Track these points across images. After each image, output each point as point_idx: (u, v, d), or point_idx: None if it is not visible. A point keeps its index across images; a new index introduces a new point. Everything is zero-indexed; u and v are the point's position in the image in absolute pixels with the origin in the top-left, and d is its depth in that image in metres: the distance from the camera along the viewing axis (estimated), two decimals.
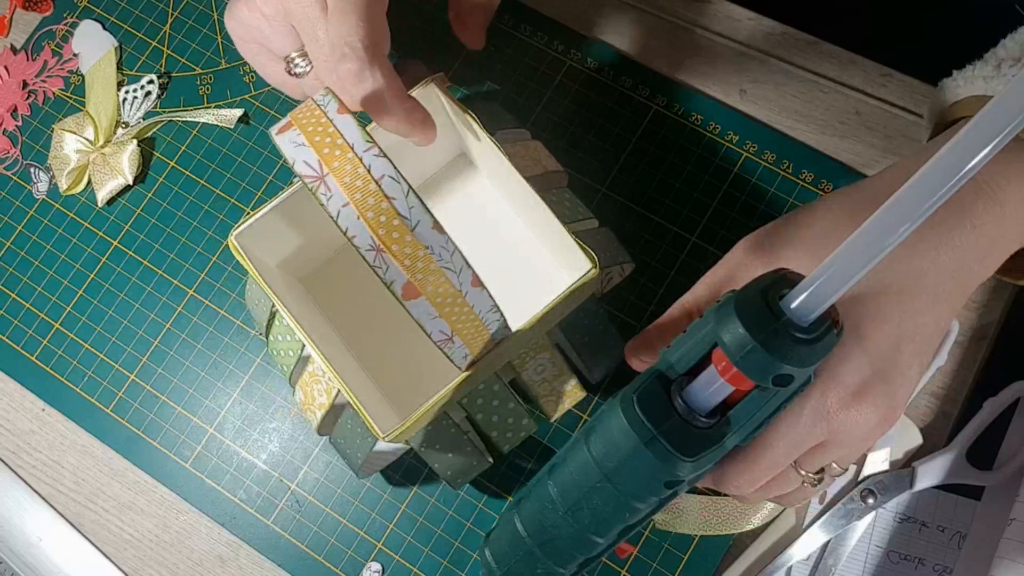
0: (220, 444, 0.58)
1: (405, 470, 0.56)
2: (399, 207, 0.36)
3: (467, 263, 0.38)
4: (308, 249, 0.53)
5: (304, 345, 0.48)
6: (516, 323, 0.43)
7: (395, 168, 0.36)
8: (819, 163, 0.58)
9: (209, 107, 0.64)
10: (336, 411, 0.49)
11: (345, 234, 0.36)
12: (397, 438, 0.44)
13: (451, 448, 0.47)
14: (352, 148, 0.36)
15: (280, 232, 0.50)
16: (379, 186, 0.36)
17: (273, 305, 0.47)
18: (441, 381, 0.44)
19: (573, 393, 0.49)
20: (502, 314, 0.41)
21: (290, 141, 0.37)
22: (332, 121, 0.37)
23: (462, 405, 0.46)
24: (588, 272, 0.44)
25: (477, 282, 0.38)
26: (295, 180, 0.48)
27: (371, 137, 0.37)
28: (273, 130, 0.39)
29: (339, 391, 0.46)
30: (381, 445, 0.47)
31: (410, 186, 0.36)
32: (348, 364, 0.50)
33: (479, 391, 0.46)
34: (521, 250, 0.54)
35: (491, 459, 0.48)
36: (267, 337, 0.51)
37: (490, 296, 0.39)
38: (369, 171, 0.36)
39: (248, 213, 0.47)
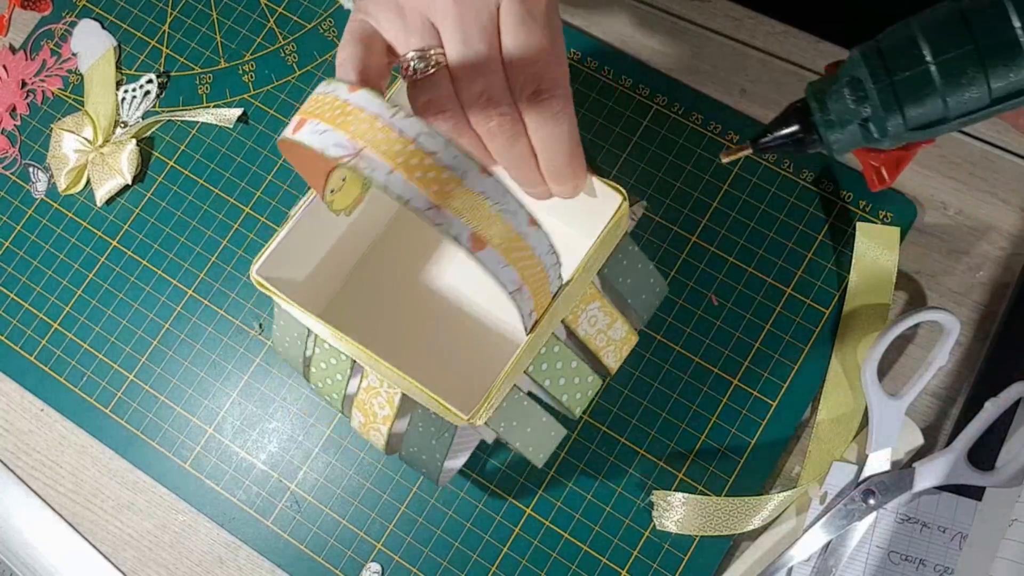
0: (219, 444, 0.58)
1: (405, 470, 0.56)
2: (443, 160, 0.35)
3: (520, 203, 0.37)
4: (324, 271, 0.53)
5: (353, 364, 0.47)
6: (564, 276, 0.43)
7: (427, 125, 0.35)
8: (820, 163, 0.58)
9: (208, 106, 0.64)
10: (401, 422, 0.48)
11: (400, 199, 0.35)
12: (478, 417, 0.43)
13: (528, 421, 0.46)
14: (379, 117, 0.35)
15: (297, 256, 0.50)
16: (418, 145, 0.35)
17: (309, 334, 0.47)
18: (493, 364, 0.43)
19: (628, 339, 0.49)
20: (557, 256, 0.40)
21: (311, 132, 0.36)
22: (348, 101, 0.36)
23: (529, 374, 0.45)
24: (620, 205, 0.44)
25: (533, 222, 0.38)
26: (298, 206, 0.47)
27: (392, 103, 0.36)
28: (287, 132, 0.38)
29: (402, 397, 0.45)
30: (458, 441, 0.46)
31: (446, 138, 0.36)
32: (402, 367, 0.49)
33: (542, 355, 0.45)
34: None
35: (564, 429, 0.48)
36: (308, 371, 0.49)
37: (546, 235, 0.39)
38: (403, 134, 0.35)
39: (263, 246, 0.46)
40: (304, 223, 0.47)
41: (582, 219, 0.51)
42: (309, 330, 0.47)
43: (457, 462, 0.53)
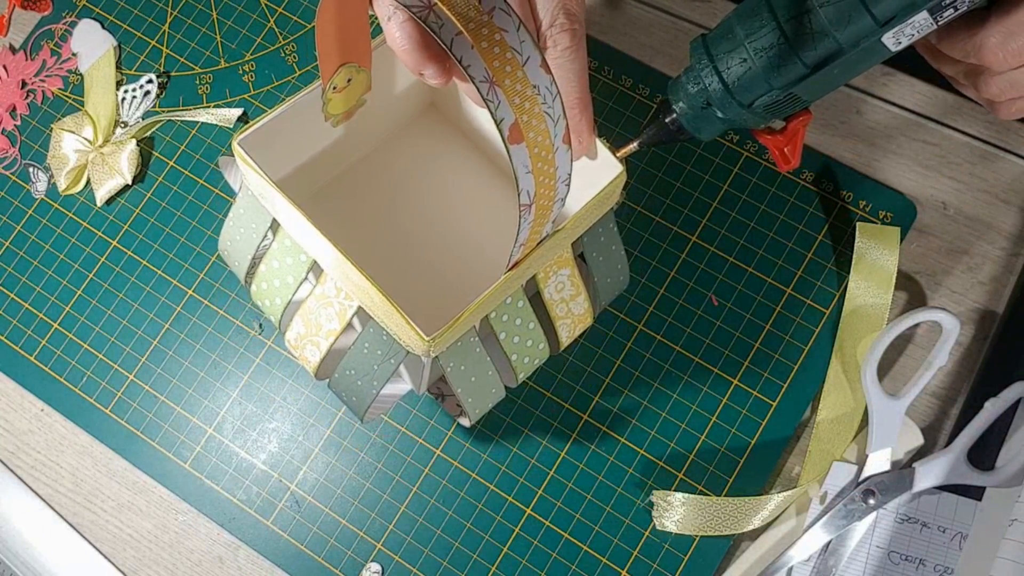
0: (219, 444, 0.58)
1: (405, 470, 0.56)
2: (511, 40, 0.35)
3: (564, 113, 0.37)
4: (305, 172, 0.51)
5: (309, 268, 0.44)
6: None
7: (507, 2, 0.35)
8: (820, 163, 0.58)
9: (208, 106, 0.64)
10: (345, 338, 0.46)
11: (460, 63, 0.34)
12: (437, 343, 0.41)
13: (476, 369, 0.45)
14: None
15: (286, 143, 0.48)
16: (491, 17, 0.35)
17: (270, 227, 0.45)
18: (461, 298, 0.42)
19: (583, 319, 0.49)
20: (569, 189, 0.40)
21: None
22: None
23: (490, 320, 0.44)
24: (618, 175, 0.44)
25: (567, 138, 0.38)
26: (296, 95, 0.46)
27: None
28: None
29: (355, 311, 0.43)
30: (392, 381, 0.44)
31: (520, 20, 0.35)
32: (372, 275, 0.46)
33: (506, 305, 0.44)
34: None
35: (504, 391, 0.47)
36: (254, 270, 0.47)
37: (571, 160, 0.39)
38: (482, 2, 0.35)
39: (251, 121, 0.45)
40: (298, 111, 0.46)
41: (577, 180, 0.49)
42: (272, 222, 0.45)
43: (386, 404, 0.51)
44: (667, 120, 0.44)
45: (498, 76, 0.35)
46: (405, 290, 0.49)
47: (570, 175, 0.39)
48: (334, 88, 0.45)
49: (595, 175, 0.45)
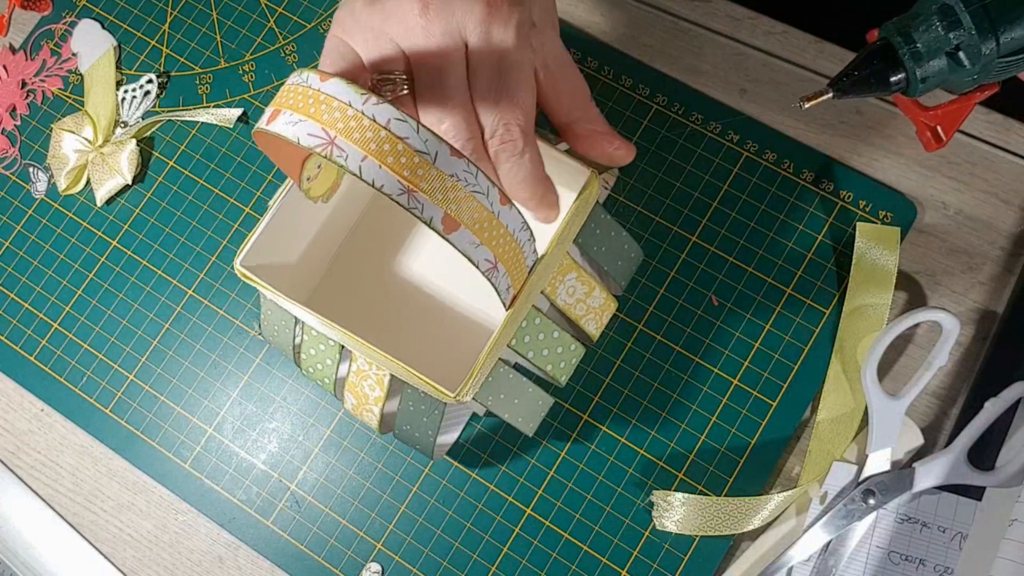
0: (219, 444, 0.58)
1: (405, 470, 0.56)
2: (414, 144, 0.36)
3: (492, 182, 0.38)
4: (307, 258, 0.53)
5: (341, 348, 0.47)
6: (539, 250, 0.44)
7: (398, 109, 0.36)
8: (820, 163, 0.58)
9: (208, 106, 0.64)
10: (392, 401, 0.49)
11: (372, 185, 0.36)
12: (464, 394, 0.44)
13: (515, 393, 0.47)
14: (351, 106, 0.36)
15: (280, 245, 0.50)
16: (389, 132, 0.36)
17: (297, 322, 0.47)
18: (477, 341, 0.44)
19: (607, 306, 0.49)
20: (531, 231, 0.41)
21: (286, 122, 0.37)
22: (320, 90, 0.37)
23: (512, 348, 0.46)
24: (589, 180, 0.45)
25: (505, 200, 0.39)
26: (277, 195, 0.48)
27: (363, 89, 0.37)
28: (261, 123, 0.38)
29: (391, 377, 0.46)
30: (448, 417, 0.47)
31: (418, 122, 0.36)
32: (387, 350, 0.49)
33: (524, 328, 0.46)
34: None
35: (552, 398, 0.49)
36: (299, 358, 0.50)
37: (519, 212, 0.40)
38: (375, 120, 0.36)
39: (245, 238, 0.47)
40: (284, 212, 0.48)
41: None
42: (296, 318, 0.47)
43: (451, 436, 0.54)
44: (886, 65, 0.40)
45: (413, 182, 0.36)
46: (428, 344, 0.54)
47: (524, 222, 0.40)
48: (308, 179, 0.47)
49: (568, 185, 0.47)
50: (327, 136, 0.36)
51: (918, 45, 0.39)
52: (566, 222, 0.44)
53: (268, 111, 0.39)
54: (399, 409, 0.49)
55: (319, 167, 0.47)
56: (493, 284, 0.40)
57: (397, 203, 0.36)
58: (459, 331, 0.54)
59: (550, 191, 0.45)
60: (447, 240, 0.37)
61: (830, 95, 0.41)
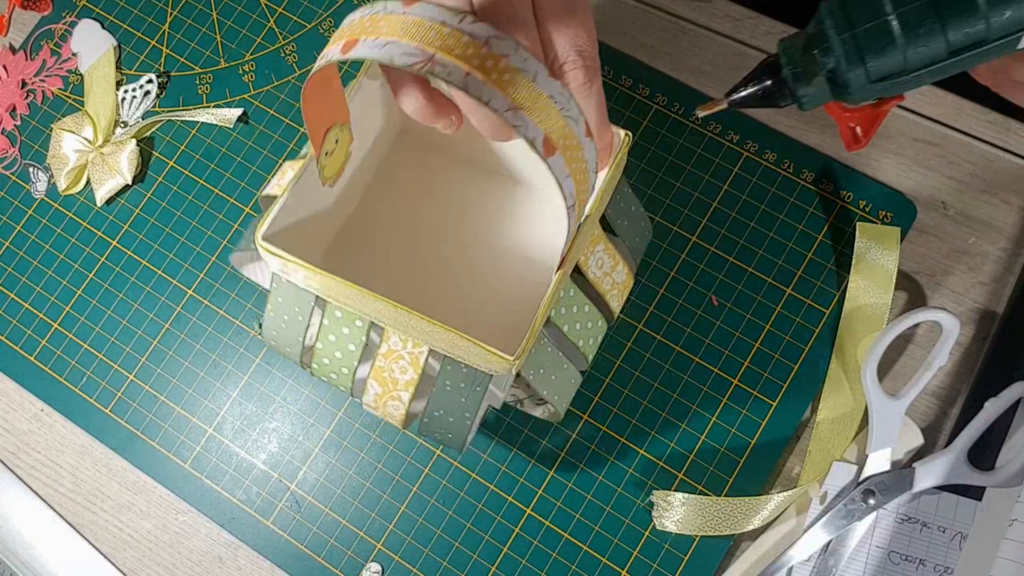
0: (219, 444, 0.58)
1: (405, 470, 0.56)
2: (515, 63, 0.35)
3: (580, 111, 0.37)
4: (324, 233, 0.52)
5: (368, 331, 0.45)
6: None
7: (495, 28, 0.35)
8: (820, 163, 0.58)
9: (208, 106, 0.64)
10: (424, 388, 0.47)
11: (480, 99, 0.35)
12: (520, 360, 0.42)
13: (553, 368, 0.45)
14: (446, 24, 0.35)
15: (299, 222, 0.49)
16: (490, 49, 0.35)
17: (314, 308, 0.45)
18: (517, 306, 0.42)
19: (627, 283, 0.49)
20: (596, 177, 0.40)
21: (370, 47, 0.35)
22: (407, 14, 0.36)
23: (551, 319, 0.45)
24: (624, 138, 0.44)
25: (588, 132, 0.38)
26: (292, 174, 0.47)
27: (457, 8, 0.36)
28: (333, 54, 0.36)
29: (427, 355, 0.44)
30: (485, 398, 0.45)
31: (518, 41, 0.36)
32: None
33: (561, 299, 0.45)
34: (526, 175, 0.54)
35: (581, 376, 0.48)
36: (313, 349, 0.48)
37: (595, 150, 0.39)
38: (474, 38, 0.35)
39: (261, 216, 0.46)
40: (301, 190, 0.47)
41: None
42: (316, 301, 0.46)
43: (475, 427, 0.51)
44: (772, 83, 0.42)
45: (516, 100, 0.35)
46: (464, 313, 0.52)
47: (596, 163, 0.39)
48: (327, 154, 0.46)
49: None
50: (425, 55, 0.34)
51: (798, 67, 0.41)
52: (606, 184, 0.43)
53: (338, 43, 0.37)
54: (432, 393, 0.46)
55: (336, 142, 0.46)
56: (568, 224, 0.38)
57: (503, 118, 0.35)
58: (495, 296, 0.51)
59: (609, 130, 0.43)
60: (546, 164, 0.36)
61: (724, 105, 0.43)
